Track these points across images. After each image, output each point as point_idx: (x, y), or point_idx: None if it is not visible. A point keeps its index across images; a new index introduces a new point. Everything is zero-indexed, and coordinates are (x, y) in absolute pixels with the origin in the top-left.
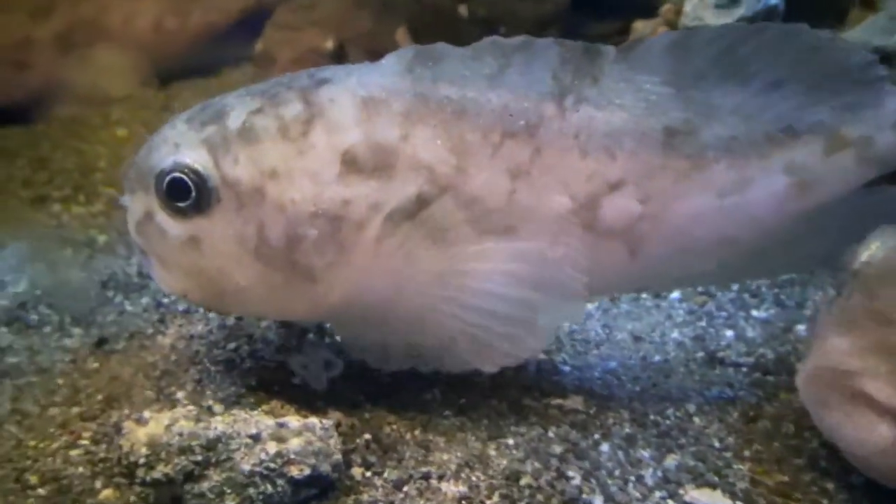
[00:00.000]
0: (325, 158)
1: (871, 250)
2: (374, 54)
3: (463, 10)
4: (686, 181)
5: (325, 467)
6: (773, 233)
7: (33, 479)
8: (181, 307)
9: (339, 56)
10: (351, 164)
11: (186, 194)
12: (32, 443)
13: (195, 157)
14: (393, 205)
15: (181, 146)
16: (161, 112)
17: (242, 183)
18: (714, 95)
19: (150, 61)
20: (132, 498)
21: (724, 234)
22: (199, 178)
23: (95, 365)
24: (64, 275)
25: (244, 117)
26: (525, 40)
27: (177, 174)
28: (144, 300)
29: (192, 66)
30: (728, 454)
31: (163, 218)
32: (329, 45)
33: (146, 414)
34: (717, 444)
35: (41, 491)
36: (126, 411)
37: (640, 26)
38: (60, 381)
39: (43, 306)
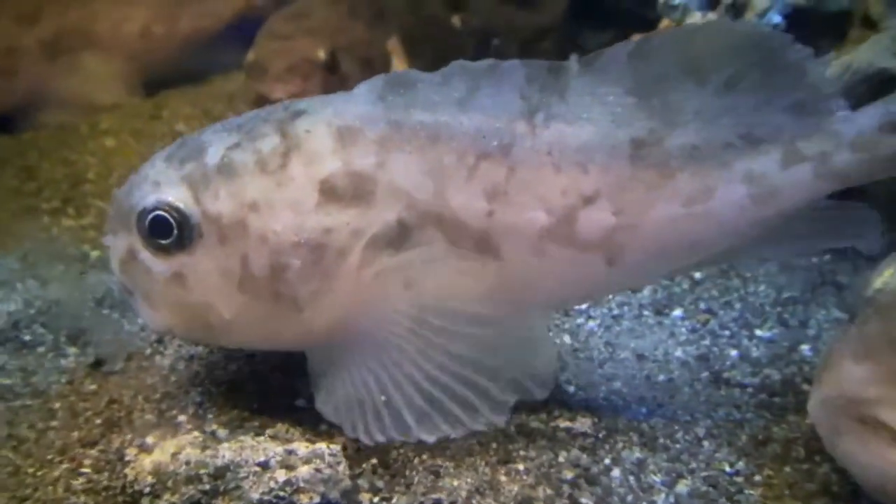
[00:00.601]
0: (304, 189)
1: (885, 277)
2: (368, 63)
3: (457, 20)
4: (655, 191)
5: (335, 494)
6: (736, 237)
7: None
8: None
9: (332, 65)
10: (330, 193)
11: (168, 231)
12: (31, 470)
13: (176, 195)
14: (373, 231)
15: (161, 184)
16: (150, 121)
17: (224, 217)
18: (674, 99)
19: (139, 69)
20: None
21: (692, 240)
22: (181, 216)
23: (93, 387)
24: (57, 292)
25: (222, 153)
26: (491, 63)
27: (159, 212)
28: (141, 319)
29: (181, 73)
30: (739, 479)
31: (146, 256)
32: (322, 54)
33: (149, 440)
34: (727, 469)
35: None
36: (128, 436)
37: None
38: (57, 405)
39: (37, 325)
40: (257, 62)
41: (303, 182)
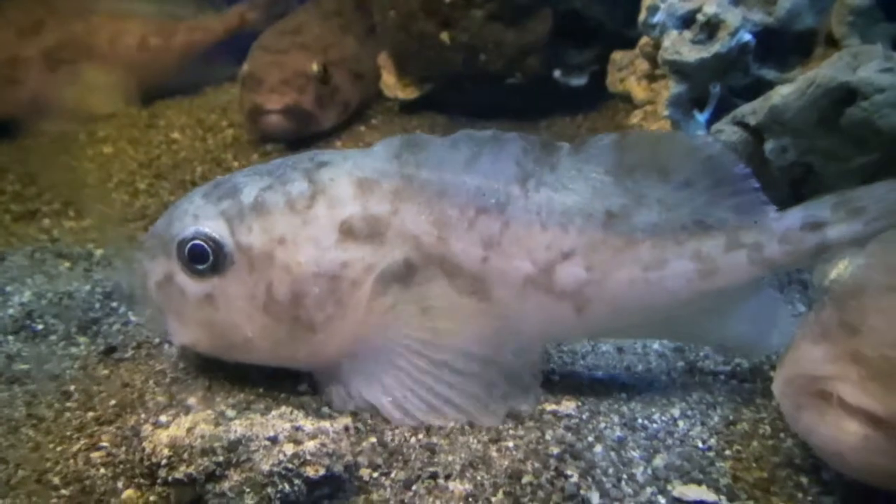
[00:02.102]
0: (325, 227)
1: (839, 269)
2: (359, 77)
3: (446, 36)
4: (620, 255)
5: (339, 468)
6: (681, 305)
7: (55, 480)
8: None
9: (325, 78)
10: (348, 232)
11: (205, 258)
12: (51, 446)
13: (213, 227)
14: (383, 266)
15: (200, 217)
16: (146, 129)
17: (255, 248)
18: (643, 186)
19: (136, 80)
20: (153, 498)
21: (646, 301)
22: (217, 245)
23: (105, 372)
24: (66, 286)
25: (256, 193)
26: (494, 133)
27: (197, 241)
28: (149, 311)
29: (177, 85)
30: (711, 454)
31: (182, 279)
32: (315, 67)
33: (163, 418)
34: (700, 445)
35: (64, 491)
36: (142, 416)
37: (618, 57)
38: (72, 387)
39: (49, 316)
40: (253, 74)
41: (325, 222)
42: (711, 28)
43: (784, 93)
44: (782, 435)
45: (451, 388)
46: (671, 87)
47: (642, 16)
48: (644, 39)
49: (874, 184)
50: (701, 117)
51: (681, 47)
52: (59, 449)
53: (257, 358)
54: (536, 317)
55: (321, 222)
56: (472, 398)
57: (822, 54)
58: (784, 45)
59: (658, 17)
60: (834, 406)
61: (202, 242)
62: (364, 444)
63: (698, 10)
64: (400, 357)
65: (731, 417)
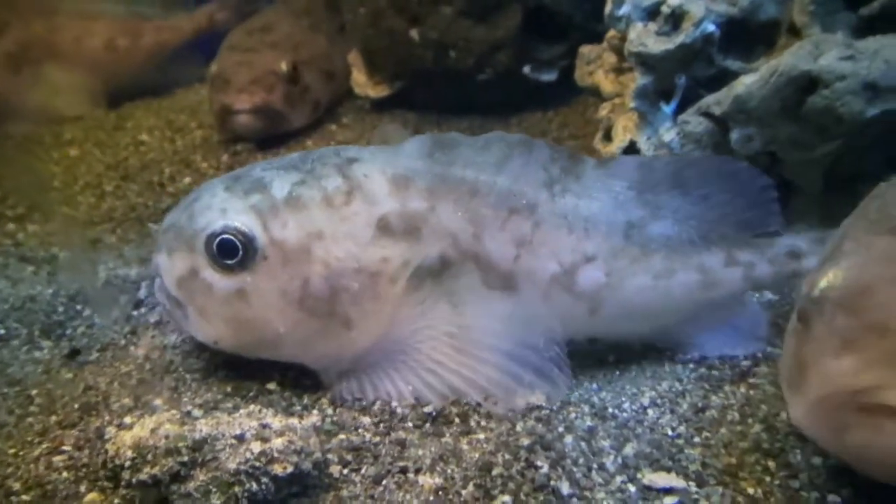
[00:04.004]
0: (363, 223)
1: (829, 277)
2: (329, 76)
3: (415, 33)
4: (636, 263)
5: (307, 465)
6: (682, 313)
7: (16, 486)
8: (153, 319)
9: (295, 78)
10: (385, 228)
11: (234, 253)
12: (12, 451)
13: (244, 221)
14: (419, 262)
15: (228, 211)
16: (114, 131)
17: (289, 243)
18: (661, 201)
19: (102, 81)
20: (117, 501)
21: (652, 307)
22: (246, 239)
23: (69, 376)
24: (29, 290)
25: (289, 188)
26: (523, 138)
27: (226, 236)
28: (114, 313)
29: (144, 86)
30: (681, 441)
31: (209, 274)
32: (284, 66)
33: (128, 420)
34: (670, 433)
35: (25, 497)
36: (106, 418)
37: (586, 50)
38: (34, 392)
39: (10, 321)
40: (221, 74)
41: (363, 218)
42: (676, 19)
43: (747, 82)
44: (750, 421)
45: (475, 375)
46: (637, 79)
47: (608, 8)
48: (611, 32)
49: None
50: (667, 109)
51: (646, 39)
52: (20, 454)
53: (284, 354)
54: (554, 315)
55: (359, 218)
56: (497, 386)
57: (785, 44)
58: (748, 36)
59: (624, 10)
60: (888, 416)
61: (232, 237)
62: (334, 441)
63: (663, 1)
64: (425, 347)
65: (699, 405)
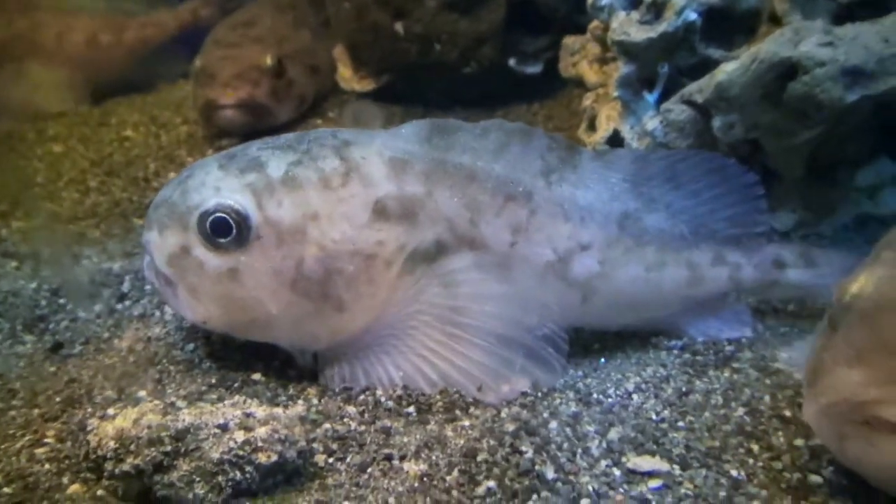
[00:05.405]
0: (360, 206)
1: (860, 282)
2: (314, 70)
3: (399, 27)
4: (630, 254)
5: (291, 454)
6: (668, 306)
7: None
8: (136, 312)
9: (280, 72)
10: (381, 212)
11: (228, 231)
12: None
13: (238, 200)
14: (414, 246)
15: (222, 189)
16: (98, 127)
17: (284, 223)
18: (655, 194)
19: (86, 77)
20: (100, 492)
21: (641, 298)
22: (241, 218)
23: (52, 369)
24: (11, 285)
25: (285, 167)
26: (522, 126)
27: (220, 214)
28: (98, 307)
29: (129, 82)
30: (665, 425)
31: (201, 252)
32: (269, 60)
33: (111, 411)
34: (654, 417)
35: (7, 490)
36: (89, 410)
37: (570, 41)
38: (17, 385)
39: None
40: (205, 69)
41: (360, 200)
42: (658, 8)
43: (729, 69)
44: (733, 404)
45: (467, 360)
46: (620, 68)
47: None
48: (594, 23)
49: (831, 247)
50: (650, 97)
51: (628, 28)
52: (1, 447)
53: (275, 336)
54: (548, 301)
55: (356, 200)
56: (488, 371)
57: (766, 32)
58: (729, 24)
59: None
60: (885, 432)
61: (226, 215)
62: (318, 430)
63: None
64: (417, 330)
65: (683, 389)
